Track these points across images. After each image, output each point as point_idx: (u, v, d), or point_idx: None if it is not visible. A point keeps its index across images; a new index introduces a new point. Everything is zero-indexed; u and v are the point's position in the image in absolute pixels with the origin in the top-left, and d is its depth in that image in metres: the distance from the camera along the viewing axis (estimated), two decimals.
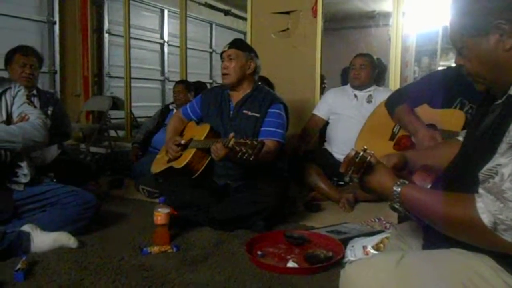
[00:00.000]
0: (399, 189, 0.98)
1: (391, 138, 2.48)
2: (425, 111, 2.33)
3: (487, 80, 0.99)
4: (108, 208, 2.50)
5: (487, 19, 0.92)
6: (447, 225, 0.92)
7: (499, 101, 0.96)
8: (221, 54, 2.45)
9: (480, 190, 0.84)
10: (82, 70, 5.10)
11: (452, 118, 2.19)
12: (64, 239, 1.88)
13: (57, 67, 4.86)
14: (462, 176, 0.97)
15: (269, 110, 2.37)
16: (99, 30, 5.29)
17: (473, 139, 1.04)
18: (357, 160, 1.00)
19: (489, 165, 0.85)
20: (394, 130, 2.50)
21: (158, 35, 6.50)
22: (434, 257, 0.97)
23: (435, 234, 1.01)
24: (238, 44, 2.44)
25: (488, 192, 0.83)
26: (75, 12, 5.01)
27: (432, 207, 0.93)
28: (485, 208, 0.82)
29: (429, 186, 1.12)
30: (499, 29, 0.91)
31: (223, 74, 2.40)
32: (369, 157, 1.02)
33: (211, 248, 1.93)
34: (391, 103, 2.47)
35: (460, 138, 1.24)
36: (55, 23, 4.80)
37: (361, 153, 1.01)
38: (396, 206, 0.99)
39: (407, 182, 1.00)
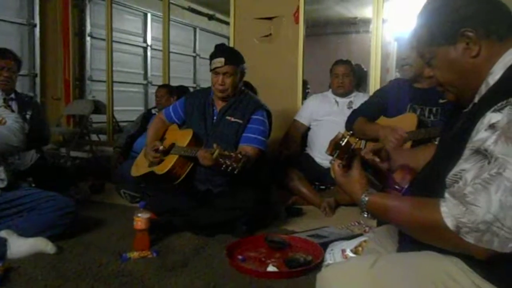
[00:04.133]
0: (367, 198, 1.02)
1: None
2: (383, 122, 2.51)
3: (456, 88, 1.02)
4: (88, 213, 2.47)
5: (454, 28, 0.95)
6: (414, 230, 0.95)
7: (467, 109, 0.99)
8: (214, 68, 2.34)
9: (446, 195, 0.87)
10: (63, 74, 5.04)
11: (407, 121, 2.39)
12: (41, 244, 1.85)
13: (37, 70, 4.79)
14: (433, 179, 1.00)
15: (253, 116, 2.37)
16: (81, 33, 5.24)
17: (442, 145, 1.07)
18: (342, 144, 1.03)
19: (454, 170, 0.88)
20: (361, 147, 2.60)
21: (141, 39, 6.47)
22: (406, 260, 0.99)
23: (409, 237, 1.04)
24: (233, 60, 2.36)
25: (453, 196, 0.85)
26: (56, 15, 4.95)
27: (399, 214, 0.96)
28: (449, 212, 0.84)
29: (407, 185, 1.16)
30: (465, 37, 0.95)
31: (220, 90, 2.35)
32: (354, 145, 1.06)
33: (192, 253, 1.93)
34: (349, 122, 2.64)
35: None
36: (35, 25, 4.74)
37: (347, 137, 1.04)
38: (365, 215, 1.03)
39: (374, 191, 1.04)
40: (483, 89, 0.95)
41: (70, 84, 5.05)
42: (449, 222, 0.84)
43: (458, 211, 0.83)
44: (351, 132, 1.08)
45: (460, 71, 0.98)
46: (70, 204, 2.08)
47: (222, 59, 2.31)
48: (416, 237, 0.95)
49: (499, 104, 0.84)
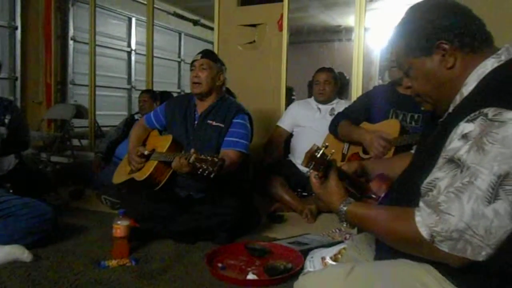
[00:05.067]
0: (345, 208, 1.04)
1: (342, 160, 2.63)
2: (366, 128, 2.55)
3: (433, 99, 1.04)
4: (67, 220, 2.43)
5: (430, 40, 0.97)
6: (391, 240, 0.96)
7: (442, 119, 1.01)
8: (192, 63, 2.43)
9: (420, 204, 0.89)
10: (45, 77, 4.97)
11: (389, 127, 2.44)
12: (17, 252, 1.81)
13: (18, 74, 4.71)
14: (409, 188, 1.01)
15: (234, 120, 2.38)
16: (63, 36, 5.17)
17: (419, 154, 1.09)
18: (317, 155, 1.04)
19: (428, 179, 0.89)
20: (343, 152, 2.66)
21: (125, 43, 6.42)
22: (381, 268, 1.01)
23: (385, 245, 1.05)
24: (210, 55, 2.45)
25: (427, 205, 0.87)
26: (38, 17, 4.89)
27: (376, 224, 0.98)
28: (423, 222, 0.86)
29: (383, 194, 1.17)
30: (441, 49, 0.97)
31: (194, 83, 2.38)
32: (329, 156, 1.06)
33: (171, 261, 1.91)
34: (333, 124, 2.69)
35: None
36: (16, 28, 4.66)
37: (323, 149, 1.05)
38: (344, 224, 1.04)
39: (352, 200, 1.05)
40: (457, 100, 0.97)
41: (51, 87, 4.98)
42: (424, 232, 0.85)
43: (431, 221, 0.85)
44: (326, 144, 1.09)
45: (437, 82, 1.00)
46: (48, 211, 2.05)
47: (200, 55, 2.43)
48: (393, 247, 0.97)
49: (471, 115, 0.86)
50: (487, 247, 0.81)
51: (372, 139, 2.38)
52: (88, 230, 2.33)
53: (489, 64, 0.94)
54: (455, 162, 0.85)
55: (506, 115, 0.82)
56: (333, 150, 1.09)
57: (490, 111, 0.83)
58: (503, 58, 0.94)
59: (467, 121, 0.86)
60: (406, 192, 1.01)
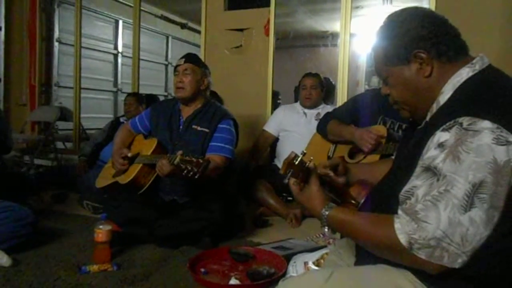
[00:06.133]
0: (327, 213, 1.04)
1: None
2: None
3: (410, 106, 1.06)
4: (49, 224, 2.40)
5: (407, 49, 0.99)
6: (371, 246, 0.98)
7: (420, 127, 1.03)
8: (175, 67, 2.43)
9: (399, 211, 0.90)
10: (29, 79, 4.90)
11: (376, 132, 2.42)
12: None
13: (1, 75, 4.64)
14: (387, 195, 1.02)
15: (219, 125, 2.38)
16: (48, 38, 5.12)
17: (398, 161, 1.10)
18: (295, 163, 1.04)
19: (406, 187, 0.91)
20: (329, 154, 2.66)
21: (112, 46, 6.38)
22: (360, 273, 1.02)
23: (365, 250, 1.06)
24: (194, 59, 2.44)
25: (405, 213, 0.88)
26: (22, 18, 4.83)
27: (356, 229, 0.99)
28: (402, 229, 0.87)
29: (363, 200, 1.18)
30: (418, 57, 0.99)
31: (178, 88, 2.38)
32: (308, 163, 1.06)
33: (154, 266, 1.89)
34: (321, 124, 2.70)
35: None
36: (0, 29, 4.60)
37: (300, 156, 1.05)
38: (326, 229, 1.05)
39: (334, 205, 1.06)
40: (434, 108, 0.99)
41: (36, 89, 4.92)
42: (402, 239, 0.86)
43: (410, 228, 0.86)
44: (304, 151, 1.09)
45: (414, 90, 1.02)
46: (29, 215, 2.02)
47: (183, 59, 2.42)
48: (373, 253, 0.98)
49: (447, 124, 0.87)
50: (463, 254, 0.83)
51: (363, 133, 2.38)
52: (69, 235, 2.30)
53: (464, 73, 0.96)
54: (431, 171, 0.87)
55: (480, 124, 0.83)
56: (311, 157, 1.10)
57: (465, 120, 0.85)
58: (478, 67, 0.96)
59: (443, 130, 0.87)
60: (385, 199, 1.03)
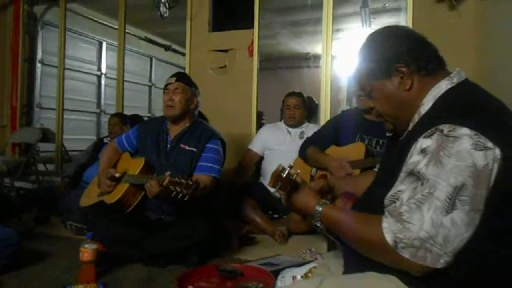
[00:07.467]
0: (321, 209, 1.07)
1: (311, 181, 2.71)
2: (333, 151, 2.73)
3: (393, 119, 1.11)
4: (32, 246, 2.34)
5: (389, 64, 1.05)
6: (358, 243, 1.01)
7: (402, 137, 1.08)
8: (166, 86, 2.43)
9: (385, 213, 0.94)
10: (10, 100, 4.84)
11: (355, 150, 2.60)
12: None
13: None
14: (373, 203, 1.06)
15: (207, 145, 2.38)
16: (30, 59, 5.09)
17: (382, 170, 1.15)
18: (283, 175, 1.07)
19: (391, 192, 0.95)
20: (312, 174, 2.78)
21: (95, 67, 6.38)
22: (349, 280, 1.05)
23: (353, 260, 1.09)
24: (184, 79, 2.47)
25: (391, 214, 0.92)
26: (5, 40, 4.81)
27: (346, 226, 1.02)
28: (389, 227, 0.91)
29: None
30: (399, 72, 1.05)
31: (168, 106, 2.38)
32: (295, 176, 1.09)
33: (141, 285, 1.87)
34: (302, 149, 2.84)
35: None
36: None
37: (288, 169, 1.08)
38: (318, 224, 1.08)
39: (328, 202, 1.10)
40: (416, 118, 1.04)
41: (17, 111, 4.86)
42: (388, 237, 0.90)
43: (396, 227, 0.90)
44: (291, 164, 1.13)
45: (396, 102, 1.08)
46: (12, 236, 1.98)
47: (174, 78, 2.44)
48: (360, 251, 1.00)
49: (429, 131, 0.93)
50: (445, 255, 0.87)
51: (336, 168, 2.53)
52: (53, 256, 2.26)
53: (443, 86, 1.02)
54: (415, 175, 0.91)
55: (459, 131, 0.89)
56: (298, 170, 1.14)
57: (445, 127, 0.90)
58: (455, 80, 1.03)
59: (425, 137, 0.93)
60: (371, 206, 1.06)
